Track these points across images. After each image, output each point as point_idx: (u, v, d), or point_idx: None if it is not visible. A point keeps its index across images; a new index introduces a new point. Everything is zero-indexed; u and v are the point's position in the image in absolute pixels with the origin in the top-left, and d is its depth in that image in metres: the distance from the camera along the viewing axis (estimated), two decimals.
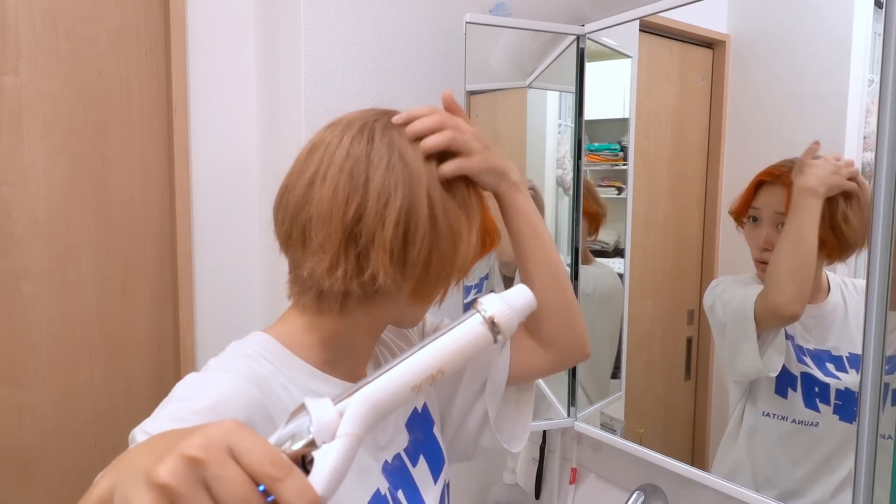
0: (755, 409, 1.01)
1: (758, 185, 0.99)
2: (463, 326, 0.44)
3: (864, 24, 0.86)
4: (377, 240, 0.60)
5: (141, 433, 0.52)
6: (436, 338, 0.43)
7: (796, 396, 0.96)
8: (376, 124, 0.65)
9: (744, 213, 1.01)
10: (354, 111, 0.69)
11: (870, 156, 0.82)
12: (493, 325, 0.45)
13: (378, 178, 0.61)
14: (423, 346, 0.43)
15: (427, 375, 0.41)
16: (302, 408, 0.38)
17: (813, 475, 0.95)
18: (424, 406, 0.79)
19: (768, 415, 0.99)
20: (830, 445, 0.93)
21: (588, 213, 1.31)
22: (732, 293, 1.03)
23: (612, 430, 1.25)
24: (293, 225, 0.63)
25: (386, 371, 0.41)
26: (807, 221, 0.91)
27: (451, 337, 0.44)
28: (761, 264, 1.00)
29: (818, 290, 0.98)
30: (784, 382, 0.97)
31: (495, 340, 0.45)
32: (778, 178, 0.96)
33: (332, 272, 0.61)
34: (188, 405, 0.54)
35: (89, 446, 1.32)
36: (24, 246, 1.25)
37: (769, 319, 0.97)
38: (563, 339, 0.80)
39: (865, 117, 0.85)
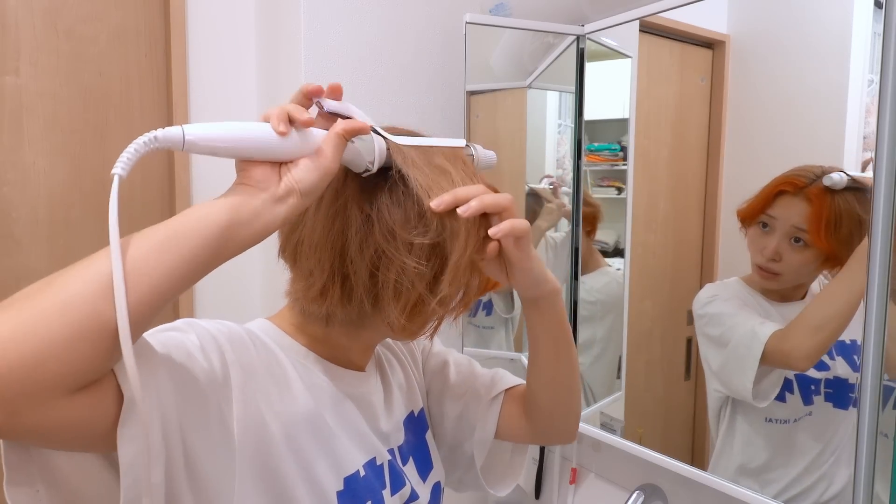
0: (756, 416, 1.01)
1: (777, 192, 0.94)
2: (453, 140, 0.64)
3: (864, 24, 0.86)
4: (365, 273, 0.59)
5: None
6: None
7: (795, 398, 0.96)
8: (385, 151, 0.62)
9: (755, 217, 0.97)
10: None
11: (870, 156, 0.82)
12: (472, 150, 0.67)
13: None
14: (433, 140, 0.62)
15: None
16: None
17: (811, 462, 0.96)
18: (421, 411, 0.80)
19: (771, 420, 0.99)
20: (826, 433, 0.94)
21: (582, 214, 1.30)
22: (736, 318, 1.00)
23: (611, 430, 1.25)
24: (287, 240, 0.64)
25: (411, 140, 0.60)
26: (861, 286, 0.86)
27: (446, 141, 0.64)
28: (763, 272, 0.98)
29: (804, 289, 0.98)
30: (782, 388, 0.97)
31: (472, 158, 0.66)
32: (801, 189, 0.91)
33: (318, 299, 0.61)
34: (201, 321, 0.59)
35: None
36: (24, 246, 1.25)
37: (778, 362, 0.94)
38: (554, 429, 0.81)
39: (865, 117, 0.85)
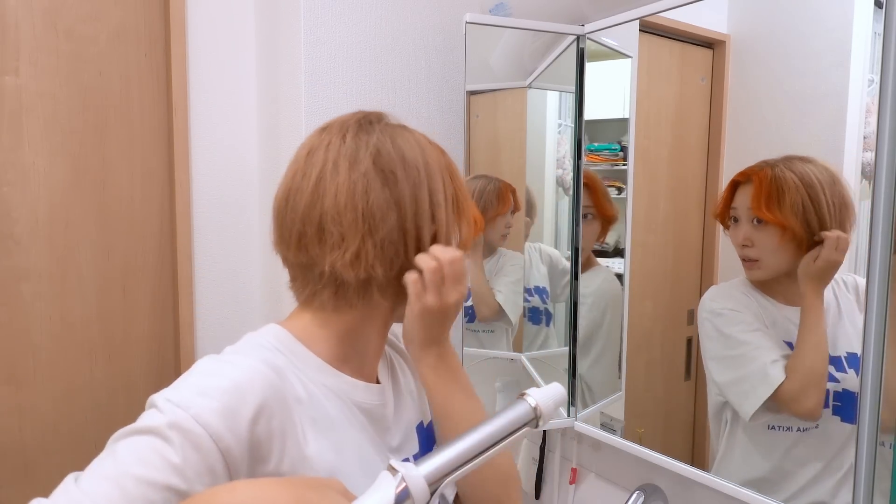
0: (758, 424, 1.00)
1: (734, 186, 1.01)
2: (513, 411, 0.53)
3: (864, 24, 0.86)
4: (398, 223, 0.64)
5: (163, 400, 0.57)
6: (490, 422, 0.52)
7: None
8: (372, 124, 0.67)
9: (725, 215, 1.03)
10: (344, 115, 0.71)
11: (870, 156, 0.82)
12: (535, 410, 0.54)
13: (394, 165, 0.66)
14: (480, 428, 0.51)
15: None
16: (395, 471, 0.47)
17: (815, 476, 0.95)
18: (430, 423, 0.80)
19: (774, 427, 0.98)
20: (832, 447, 0.93)
21: (605, 215, 1.29)
22: (746, 347, 1.01)
23: (612, 430, 1.24)
24: (306, 223, 0.64)
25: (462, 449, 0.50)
26: (818, 319, 0.92)
27: (503, 419, 0.53)
28: (745, 262, 1.02)
29: None
30: None
31: (536, 425, 0.53)
32: (749, 177, 0.99)
33: (355, 262, 0.63)
34: (213, 382, 0.57)
35: (89, 446, 1.33)
36: (24, 246, 1.25)
37: (786, 411, 0.96)
38: None
39: (865, 117, 0.85)
